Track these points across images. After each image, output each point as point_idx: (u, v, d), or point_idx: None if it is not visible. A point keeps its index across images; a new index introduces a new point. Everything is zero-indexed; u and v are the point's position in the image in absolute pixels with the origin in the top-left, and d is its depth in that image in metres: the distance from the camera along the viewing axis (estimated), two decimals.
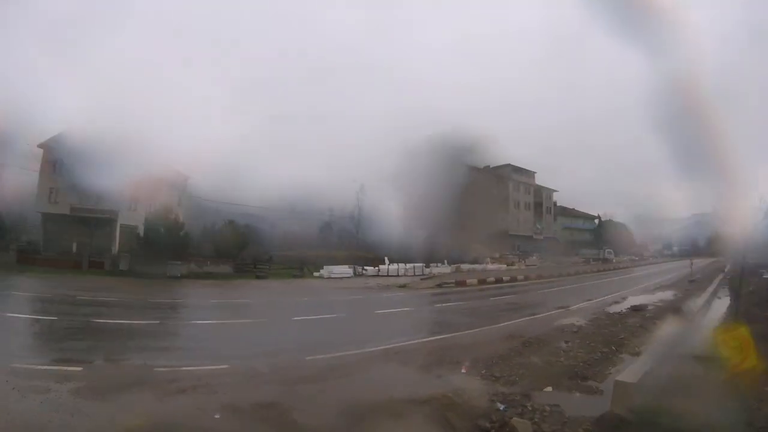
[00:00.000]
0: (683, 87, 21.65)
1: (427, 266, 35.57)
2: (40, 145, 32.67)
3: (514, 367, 11.17)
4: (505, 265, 38.51)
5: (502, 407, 8.67)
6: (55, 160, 33.08)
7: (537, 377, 10.52)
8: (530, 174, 46.78)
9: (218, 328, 14.61)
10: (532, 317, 17.53)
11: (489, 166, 42.14)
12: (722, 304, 18.03)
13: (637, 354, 12.51)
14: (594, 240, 48.49)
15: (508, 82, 60.16)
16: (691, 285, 26.78)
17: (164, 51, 54.87)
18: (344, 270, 32.53)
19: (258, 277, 30.64)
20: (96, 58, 47.74)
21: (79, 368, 9.65)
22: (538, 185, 48.03)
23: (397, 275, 33.42)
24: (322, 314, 17.42)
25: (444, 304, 20.38)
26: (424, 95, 55.34)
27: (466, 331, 14.87)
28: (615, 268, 42.80)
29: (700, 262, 37.35)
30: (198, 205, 35.91)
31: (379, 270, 33.85)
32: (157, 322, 14.97)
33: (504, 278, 31.36)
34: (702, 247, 44.49)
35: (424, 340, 13.66)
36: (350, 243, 40.55)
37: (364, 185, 39.75)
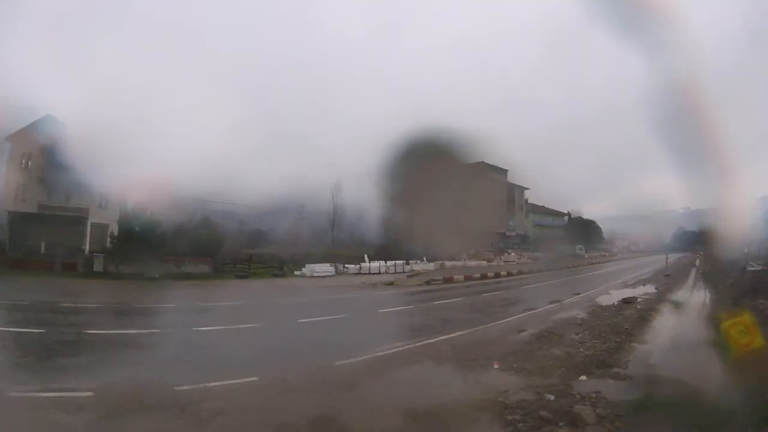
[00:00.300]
0: (668, 85, 22.93)
1: (407, 263, 35.92)
2: (8, 138, 31.00)
3: (541, 359, 11.65)
4: (486, 262, 39.48)
5: (551, 398, 9.04)
6: (23, 155, 31.58)
7: (567, 368, 11.00)
8: (503, 172, 48.12)
9: (226, 335, 13.90)
10: (532, 312, 18.06)
11: (462, 163, 42.99)
12: (707, 295, 19.22)
13: (646, 342, 13.38)
14: (565, 236, 50.36)
15: (479, 82, 61.39)
16: (668, 279, 28.39)
17: (142, 45, 53.09)
18: (326, 268, 32.28)
19: (238, 277, 29.92)
20: (75, 52, 45.72)
21: (89, 393, 8.50)
22: (510, 183, 49.50)
23: (379, 273, 33.54)
24: (326, 315, 17.19)
25: (441, 302, 20.63)
26: (404, 93, 55.66)
27: (477, 327, 15.24)
28: (589, 264, 44.61)
29: (668, 258, 39.41)
30: (170, 201, 34.92)
31: (360, 268, 33.87)
32: (157, 330, 14.03)
33: (488, 274, 32.26)
34: (667, 243, 47.00)
35: (441, 338, 13.78)
36: (326, 240, 40.50)
37: (340, 182, 39.80)
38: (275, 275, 31.35)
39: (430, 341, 13.31)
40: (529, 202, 51.22)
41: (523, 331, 14.72)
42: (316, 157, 41.86)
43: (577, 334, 14.43)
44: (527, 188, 50.15)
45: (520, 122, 55.63)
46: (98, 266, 28.90)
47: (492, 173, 46.53)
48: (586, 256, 48.96)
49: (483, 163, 44.80)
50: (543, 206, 51.95)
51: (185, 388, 8.79)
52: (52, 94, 32.88)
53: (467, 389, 9.45)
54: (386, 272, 33.67)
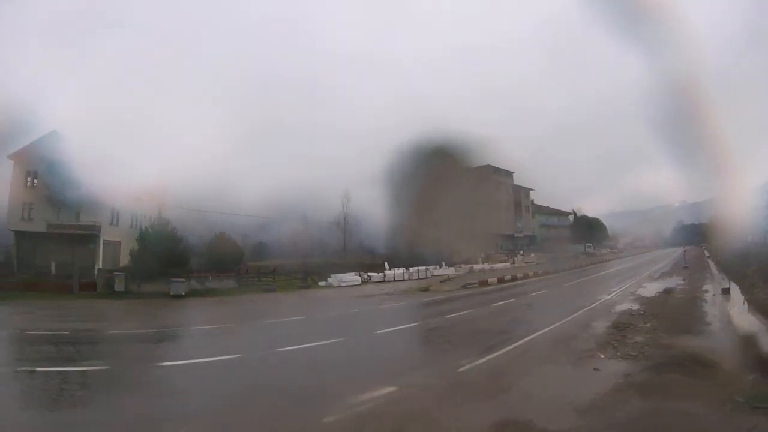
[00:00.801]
0: (667, 84, 25.85)
1: (427, 269, 37.79)
2: (11, 156, 31.24)
3: (634, 346, 13.23)
4: (509, 264, 41.87)
5: None
6: (28, 173, 31.91)
7: (661, 350, 12.82)
8: (509, 174, 50.83)
9: (318, 353, 13.55)
10: (588, 308, 19.85)
11: (469, 167, 45.39)
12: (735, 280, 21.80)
13: (712, 322, 15.65)
14: (571, 236, 53.35)
15: (480, 90, 63.88)
16: (689, 271, 31.36)
17: (143, 57, 53.54)
18: (353, 278, 33.64)
19: (266, 291, 30.81)
20: (73, 65, 45.92)
21: None
22: (516, 185, 52.20)
23: (404, 279, 35.24)
24: (398, 325, 17.88)
25: (497, 304, 22.07)
26: (408, 102, 57.49)
27: (553, 326, 16.36)
28: (602, 262, 47.32)
29: (673, 252, 42.56)
30: (186, 216, 35.52)
31: (385, 276, 35.48)
32: (239, 355, 13.21)
33: (517, 276, 34.51)
34: (667, 237, 50.63)
35: (533, 336, 14.80)
36: (330, 251, 41.92)
37: (349, 191, 41.31)
38: (301, 287, 32.38)
39: (524, 341, 14.26)
40: (534, 203, 54.38)
41: (596, 324, 16.42)
42: (323, 167, 43.16)
43: (646, 322, 16.24)
44: (532, 189, 53.20)
45: (519, 125, 58.45)
46: (119, 286, 29.25)
47: (498, 176, 49.30)
48: (597, 254, 52.22)
49: (489, 166, 47.42)
50: (547, 206, 55.03)
51: (333, 419, 8.21)
52: (55, 110, 33.29)
53: (597, 377, 10.74)
54: (410, 278, 35.43)
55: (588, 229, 52.91)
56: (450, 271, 38.54)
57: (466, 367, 11.40)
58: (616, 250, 55.91)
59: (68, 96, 39.28)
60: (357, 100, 59.96)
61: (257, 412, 8.84)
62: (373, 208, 40.79)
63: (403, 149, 39.30)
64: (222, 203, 36.97)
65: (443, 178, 40.10)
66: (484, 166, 46.08)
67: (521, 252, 47.75)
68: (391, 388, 9.57)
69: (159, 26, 59.30)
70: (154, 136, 39.34)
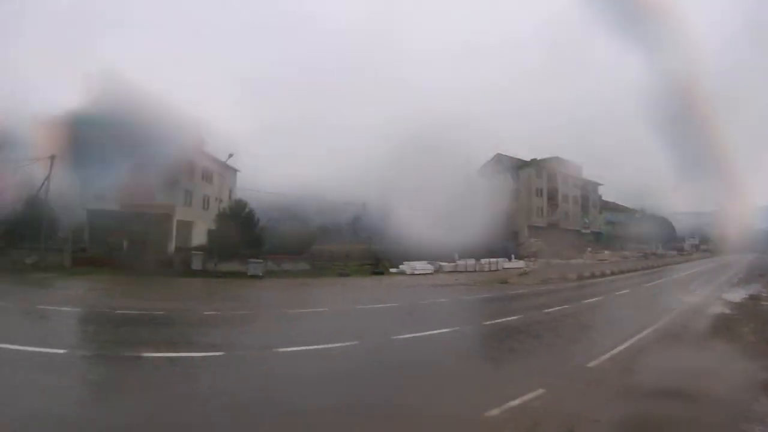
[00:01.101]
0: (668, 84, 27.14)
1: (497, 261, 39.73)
2: None
3: (757, 343, 14.50)
4: (582, 260, 43.46)
5: None
6: None
7: None
8: (577, 167, 51.69)
9: (436, 343, 14.19)
10: (681, 309, 20.98)
11: (536, 158, 46.84)
12: None
13: None
14: (638, 234, 54.01)
15: (531, 83, 65.46)
16: (766, 279, 32.67)
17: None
18: (425, 266, 35.67)
19: (340, 275, 33.02)
20: (106, 51, 49.35)
21: None
22: (584, 179, 53.27)
23: (474, 270, 37.24)
24: (501, 317, 18.65)
25: (587, 301, 23.65)
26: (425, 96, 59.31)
27: (656, 325, 17.01)
28: (672, 264, 47.82)
29: (744, 258, 42.84)
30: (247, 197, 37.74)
31: (456, 265, 37.53)
32: (355, 342, 13.53)
33: (595, 273, 36.22)
34: (736, 242, 51.08)
35: (642, 334, 15.39)
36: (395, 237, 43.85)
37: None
38: (374, 273, 34.41)
39: (636, 338, 14.76)
40: (602, 198, 55.08)
41: (695, 325, 17.45)
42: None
43: (744, 325, 17.23)
44: (601, 184, 53.96)
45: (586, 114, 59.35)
46: (197, 264, 31.68)
47: (565, 168, 50.35)
48: (667, 255, 52.98)
49: (556, 158, 48.61)
50: (614, 203, 55.64)
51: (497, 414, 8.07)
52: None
53: (718, 371, 11.49)
54: (480, 270, 37.46)
55: (655, 228, 53.39)
56: (521, 264, 40.41)
57: (594, 363, 11.73)
58: (685, 253, 56.30)
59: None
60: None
61: (408, 401, 8.80)
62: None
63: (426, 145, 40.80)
64: (284, 186, 39.36)
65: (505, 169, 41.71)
66: (551, 158, 47.24)
67: (590, 249, 48.92)
68: (540, 390, 9.29)
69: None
70: (226, 121, 41.88)
